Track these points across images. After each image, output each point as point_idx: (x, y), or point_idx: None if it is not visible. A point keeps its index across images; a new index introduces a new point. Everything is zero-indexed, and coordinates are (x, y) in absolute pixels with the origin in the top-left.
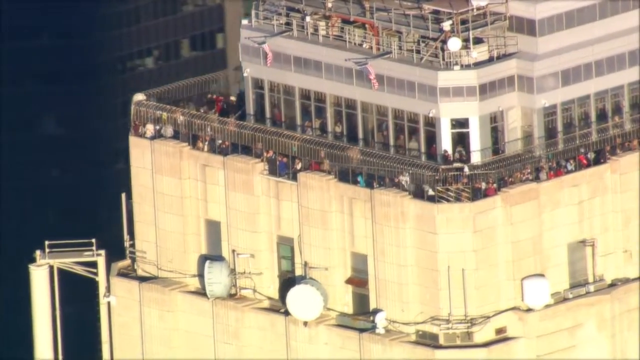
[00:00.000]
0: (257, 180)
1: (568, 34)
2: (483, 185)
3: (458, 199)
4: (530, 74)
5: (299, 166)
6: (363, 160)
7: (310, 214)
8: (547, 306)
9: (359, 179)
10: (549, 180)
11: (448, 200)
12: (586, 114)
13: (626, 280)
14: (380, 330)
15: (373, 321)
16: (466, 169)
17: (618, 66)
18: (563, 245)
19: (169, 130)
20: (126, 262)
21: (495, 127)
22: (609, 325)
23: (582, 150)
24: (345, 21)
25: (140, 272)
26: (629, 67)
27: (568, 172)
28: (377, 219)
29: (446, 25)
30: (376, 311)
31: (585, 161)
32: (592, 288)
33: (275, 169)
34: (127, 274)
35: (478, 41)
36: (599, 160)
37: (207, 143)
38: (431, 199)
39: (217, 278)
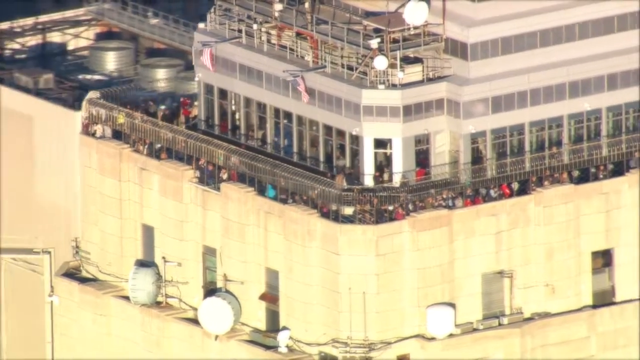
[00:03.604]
0: (186, 188)
1: (503, 60)
2: (390, 208)
3: (363, 220)
4: (458, 99)
5: (224, 176)
6: (273, 172)
7: (230, 225)
8: (453, 336)
9: (269, 189)
10: (463, 208)
11: (352, 222)
12: (522, 142)
13: (545, 315)
14: (282, 349)
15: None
16: (341, 184)
17: (557, 96)
18: (477, 275)
19: (107, 130)
20: (78, 262)
21: (422, 149)
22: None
23: (507, 180)
24: (299, 33)
25: (84, 274)
26: (570, 98)
27: (492, 199)
28: (287, 235)
29: (374, 43)
30: (284, 329)
31: (507, 191)
32: (505, 320)
33: (205, 178)
34: (74, 274)
35: (416, 61)
36: (523, 191)
37: (146, 146)
38: (337, 219)
39: (141, 285)
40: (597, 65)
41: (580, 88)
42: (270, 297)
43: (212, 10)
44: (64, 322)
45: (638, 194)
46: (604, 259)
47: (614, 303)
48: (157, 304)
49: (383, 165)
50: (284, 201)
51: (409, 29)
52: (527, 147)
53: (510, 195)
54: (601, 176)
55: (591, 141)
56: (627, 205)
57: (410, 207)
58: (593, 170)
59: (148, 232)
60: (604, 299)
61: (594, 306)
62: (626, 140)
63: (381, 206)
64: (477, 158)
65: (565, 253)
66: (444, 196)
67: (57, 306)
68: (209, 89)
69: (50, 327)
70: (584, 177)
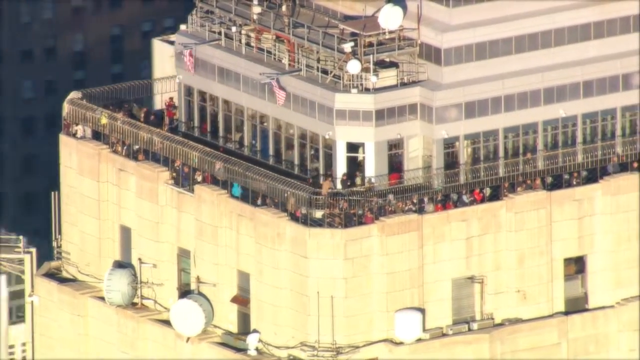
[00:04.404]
0: (162, 190)
1: (477, 65)
2: (360, 212)
3: (332, 224)
4: (430, 104)
5: (199, 178)
6: (245, 174)
7: (203, 227)
8: (421, 341)
9: (234, 187)
10: (433, 213)
11: (321, 225)
12: (496, 148)
13: (516, 321)
14: (252, 351)
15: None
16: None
17: (532, 102)
18: (447, 280)
19: (88, 131)
20: (59, 262)
21: (394, 154)
22: None
23: (480, 185)
24: (277, 36)
25: (64, 274)
26: (544, 105)
27: (464, 205)
28: (257, 238)
29: (347, 47)
30: (254, 332)
31: (479, 197)
32: (475, 326)
33: (180, 180)
34: (55, 274)
35: (391, 65)
36: (495, 196)
37: (125, 147)
38: (307, 223)
39: (116, 286)
40: (573, 72)
41: (555, 94)
42: (242, 299)
43: (194, 12)
44: (44, 322)
45: (611, 201)
46: (576, 266)
47: (586, 310)
48: (133, 305)
49: (355, 169)
50: (257, 204)
51: (383, 33)
52: (501, 153)
53: (482, 201)
54: (574, 183)
55: (567, 148)
56: (600, 213)
57: (378, 211)
58: (567, 176)
59: (125, 233)
60: (576, 306)
61: (566, 313)
62: (602, 147)
63: (350, 210)
64: (451, 163)
65: (536, 259)
66: (414, 201)
67: (37, 306)
68: (188, 90)
69: (30, 327)
70: (557, 183)
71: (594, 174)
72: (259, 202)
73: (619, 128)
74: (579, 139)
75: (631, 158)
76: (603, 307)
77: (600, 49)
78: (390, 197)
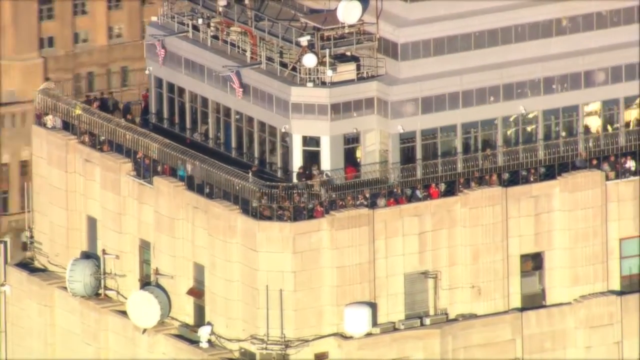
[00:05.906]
0: (124, 181)
1: (435, 61)
2: (310, 206)
3: (281, 217)
4: (387, 98)
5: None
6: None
7: (161, 220)
8: (371, 335)
9: (181, 173)
10: (385, 208)
11: (270, 218)
12: (455, 143)
13: (470, 317)
14: (203, 344)
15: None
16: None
17: (490, 98)
18: (399, 274)
19: (58, 121)
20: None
21: (352, 148)
22: None
23: (435, 180)
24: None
25: (37, 264)
26: (504, 101)
27: (418, 200)
28: (210, 230)
29: (303, 41)
30: (207, 324)
31: (435, 193)
32: (428, 321)
33: (142, 171)
34: (29, 264)
35: (352, 59)
36: (450, 192)
37: (92, 138)
38: (257, 216)
39: (78, 277)
40: (533, 69)
41: (514, 91)
42: (197, 292)
43: (165, 4)
44: (15, 312)
45: (569, 198)
46: (534, 263)
47: (544, 306)
48: (97, 295)
49: (307, 162)
50: (210, 196)
51: (342, 27)
52: (459, 149)
53: (438, 197)
54: (532, 179)
55: (527, 144)
56: (558, 209)
57: (329, 205)
58: (524, 173)
59: (92, 224)
60: (533, 302)
61: (523, 309)
62: (563, 144)
63: (300, 204)
64: (409, 158)
65: (492, 255)
66: (367, 195)
67: (9, 296)
68: (160, 82)
69: (3, 316)
70: (514, 179)
71: (552, 171)
72: (206, 190)
73: (581, 125)
74: (540, 135)
75: (591, 155)
76: (561, 304)
77: (562, 46)
78: (324, 192)
